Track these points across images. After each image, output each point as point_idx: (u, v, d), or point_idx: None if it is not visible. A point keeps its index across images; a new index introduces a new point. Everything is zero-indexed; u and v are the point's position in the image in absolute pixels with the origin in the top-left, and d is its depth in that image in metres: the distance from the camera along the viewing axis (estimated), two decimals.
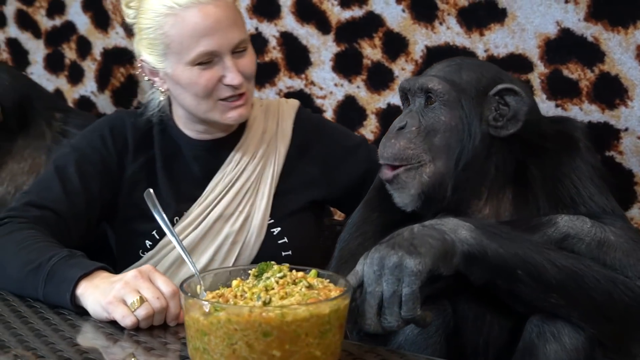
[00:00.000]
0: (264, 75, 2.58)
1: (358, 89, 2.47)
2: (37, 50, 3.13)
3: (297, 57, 2.55)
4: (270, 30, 2.57)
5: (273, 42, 2.57)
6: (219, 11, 1.81)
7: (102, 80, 3.00)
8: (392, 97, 2.40)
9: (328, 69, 2.51)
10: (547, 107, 2.16)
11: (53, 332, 1.48)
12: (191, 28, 1.80)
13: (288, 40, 2.55)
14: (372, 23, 2.41)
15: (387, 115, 2.41)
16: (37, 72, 3.14)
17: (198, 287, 1.37)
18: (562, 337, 1.42)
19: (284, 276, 1.35)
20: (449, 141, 1.58)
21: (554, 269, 1.40)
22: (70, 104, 3.06)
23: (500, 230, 1.43)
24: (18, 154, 2.43)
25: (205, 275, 1.40)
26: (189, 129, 1.96)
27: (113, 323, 1.52)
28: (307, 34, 2.52)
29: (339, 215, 2.40)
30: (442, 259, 1.36)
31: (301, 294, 1.29)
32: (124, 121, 2.00)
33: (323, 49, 2.50)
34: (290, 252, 1.93)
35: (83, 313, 1.57)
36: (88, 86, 3.03)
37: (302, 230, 1.97)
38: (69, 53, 3.05)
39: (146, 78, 1.94)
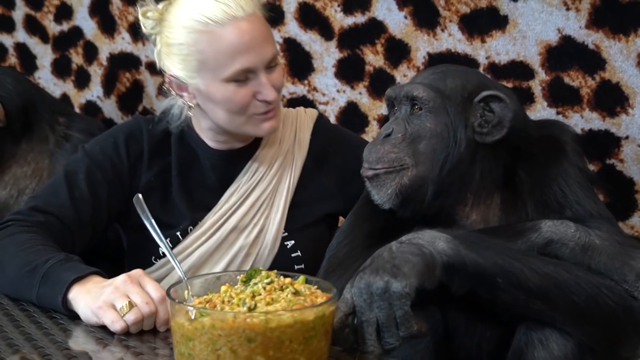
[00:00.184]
0: None
1: (360, 95, 2.47)
2: (44, 55, 3.16)
3: (300, 63, 2.55)
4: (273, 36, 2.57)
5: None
6: (254, 27, 1.79)
7: (108, 85, 3.01)
8: None
9: (331, 75, 2.51)
10: (548, 115, 2.15)
11: (43, 336, 1.49)
12: (227, 45, 1.76)
13: (291, 46, 2.56)
14: (374, 29, 2.41)
15: None
16: (45, 77, 3.16)
17: (186, 292, 1.37)
18: (550, 344, 1.42)
19: (272, 282, 1.35)
20: (434, 147, 1.58)
21: (535, 276, 1.40)
22: (77, 109, 3.08)
23: (478, 239, 1.43)
24: (22, 157, 2.45)
25: (193, 280, 1.40)
26: (210, 139, 1.95)
27: (104, 328, 1.52)
28: (310, 40, 2.52)
29: None
30: (425, 274, 1.35)
31: (287, 300, 1.29)
32: (141, 128, 1.98)
33: (326, 55, 2.51)
34: (302, 266, 1.92)
35: (75, 317, 1.58)
36: (94, 91, 3.05)
37: (316, 243, 1.94)
38: (76, 58, 3.07)
39: (173, 93, 1.90)
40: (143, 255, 1.94)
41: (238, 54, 1.77)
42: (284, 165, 1.96)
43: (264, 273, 1.37)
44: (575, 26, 2.09)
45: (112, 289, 1.52)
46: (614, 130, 2.08)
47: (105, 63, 3.00)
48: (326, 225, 2.00)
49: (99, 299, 1.52)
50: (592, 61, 2.08)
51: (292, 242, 1.94)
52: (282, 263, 1.89)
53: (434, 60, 2.32)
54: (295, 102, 2.55)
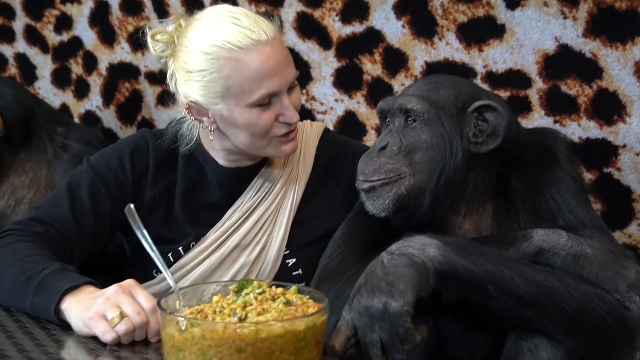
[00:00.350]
0: None
1: (358, 104, 2.46)
2: (44, 65, 3.16)
3: (298, 72, 2.54)
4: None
5: None
6: (277, 52, 1.78)
7: (108, 95, 3.02)
8: None
9: (329, 84, 2.51)
10: (545, 123, 2.14)
11: (35, 347, 1.48)
12: (253, 71, 1.74)
13: None
14: (372, 39, 2.41)
15: None
16: (45, 87, 3.17)
17: (177, 302, 1.37)
18: (539, 353, 1.41)
19: (263, 292, 1.34)
20: (430, 158, 1.58)
21: (526, 284, 1.39)
22: (76, 119, 3.09)
23: (469, 246, 1.42)
24: (20, 167, 2.45)
25: (185, 291, 1.39)
26: (221, 158, 1.93)
27: (96, 338, 1.51)
28: (308, 50, 2.52)
29: None
30: (420, 284, 1.36)
31: (278, 310, 1.29)
32: (147, 143, 1.96)
33: (324, 64, 2.51)
34: (304, 284, 1.90)
35: (68, 327, 1.57)
36: (94, 101, 3.06)
37: (317, 261, 1.88)
38: (76, 68, 3.07)
39: (192, 118, 1.87)
40: (144, 269, 1.93)
41: (263, 79, 1.75)
42: (288, 182, 1.95)
43: (255, 283, 1.37)
44: (573, 35, 2.08)
45: (104, 300, 1.51)
46: (611, 138, 2.07)
47: (104, 73, 3.00)
48: (328, 241, 1.98)
49: (90, 310, 1.51)
50: (590, 70, 2.08)
51: (294, 260, 1.92)
52: (283, 281, 1.87)
53: (431, 69, 2.32)
54: None
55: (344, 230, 1.70)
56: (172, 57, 1.84)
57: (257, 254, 1.90)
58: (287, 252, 1.92)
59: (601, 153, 2.09)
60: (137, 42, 2.89)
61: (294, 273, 1.92)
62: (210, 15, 1.81)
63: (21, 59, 3.22)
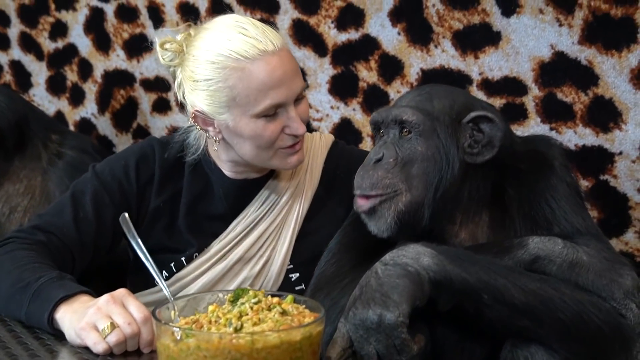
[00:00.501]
0: None
1: (354, 111, 2.46)
2: (39, 72, 3.15)
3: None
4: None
5: None
6: (284, 62, 1.77)
7: (103, 102, 3.01)
8: None
9: (324, 92, 2.50)
10: (541, 130, 2.14)
11: (29, 358, 1.48)
12: (259, 82, 1.73)
13: None
14: (368, 46, 2.41)
15: None
16: (40, 94, 3.16)
17: (172, 312, 1.36)
18: None
19: (259, 302, 1.34)
20: (426, 170, 1.57)
21: (520, 292, 1.39)
22: (71, 126, 3.08)
23: (463, 255, 1.42)
24: (14, 175, 2.44)
25: (180, 300, 1.39)
26: (227, 169, 1.92)
27: (89, 349, 1.50)
28: (303, 57, 2.51)
29: None
30: (415, 294, 1.35)
31: (274, 320, 1.28)
32: (154, 151, 1.95)
33: (320, 71, 2.50)
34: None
35: (62, 337, 1.56)
36: (89, 108, 3.05)
37: None
38: (71, 75, 3.06)
39: (198, 127, 1.87)
40: (147, 276, 1.92)
41: (269, 90, 1.74)
42: (295, 195, 1.94)
43: (251, 292, 1.36)
44: (568, 42, 2.08)
45: (95, 310, 1.50)
46: (607, 146, 2.07)
47: (99, 80, 3.00)
48: None
49: (81, 320, 1.50)
50: (585, 77, 2.08)
51: (297, 274, 1.92)
52: None
53: (427, 76, 2.32)
54: None
55: (339, 239, 1.70)
56: (180, 66, 1.83)
57: (260, 268, 1.89)
58: (291, 266, 1.91)
59: (597, 160, 2.09)
60: (133, 49, 2.89)
61: (297, 288, 1.91)
62: (218, 24, 1.80)
63: (16, 66, 3.21)
